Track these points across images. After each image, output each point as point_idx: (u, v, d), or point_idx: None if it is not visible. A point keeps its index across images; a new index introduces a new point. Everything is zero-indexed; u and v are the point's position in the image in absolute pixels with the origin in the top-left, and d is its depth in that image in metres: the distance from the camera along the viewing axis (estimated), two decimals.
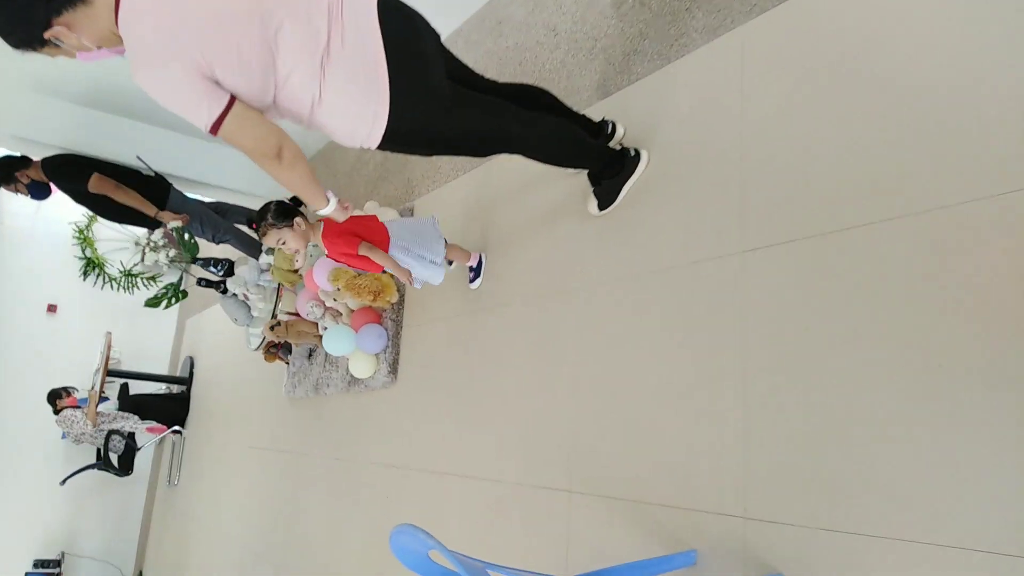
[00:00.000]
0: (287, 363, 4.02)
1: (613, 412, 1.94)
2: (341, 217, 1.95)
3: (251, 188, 4.60)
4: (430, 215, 2.64)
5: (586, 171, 2.09)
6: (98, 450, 5.95)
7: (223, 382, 5.57)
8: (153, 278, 6.91)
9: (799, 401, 1.52)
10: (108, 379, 5.81)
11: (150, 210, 3.67)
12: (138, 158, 4.01)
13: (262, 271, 3.69)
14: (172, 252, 3.52)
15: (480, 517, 2.38)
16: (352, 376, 3.32)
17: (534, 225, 2.43)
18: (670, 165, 1.95)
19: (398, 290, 3.16)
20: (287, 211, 2.34)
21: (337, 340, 3.11)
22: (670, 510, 1.73)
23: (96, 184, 3.57)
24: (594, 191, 2.09)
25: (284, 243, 2.34)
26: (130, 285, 6.86)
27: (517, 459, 2.26)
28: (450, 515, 2.54)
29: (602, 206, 2.08)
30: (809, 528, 1.46)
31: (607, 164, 1.97)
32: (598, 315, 2.06)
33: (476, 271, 2.74)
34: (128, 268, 6.79)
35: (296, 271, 3.65)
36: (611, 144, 2.09)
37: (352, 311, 3.31)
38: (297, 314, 3.67)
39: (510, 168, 2.63)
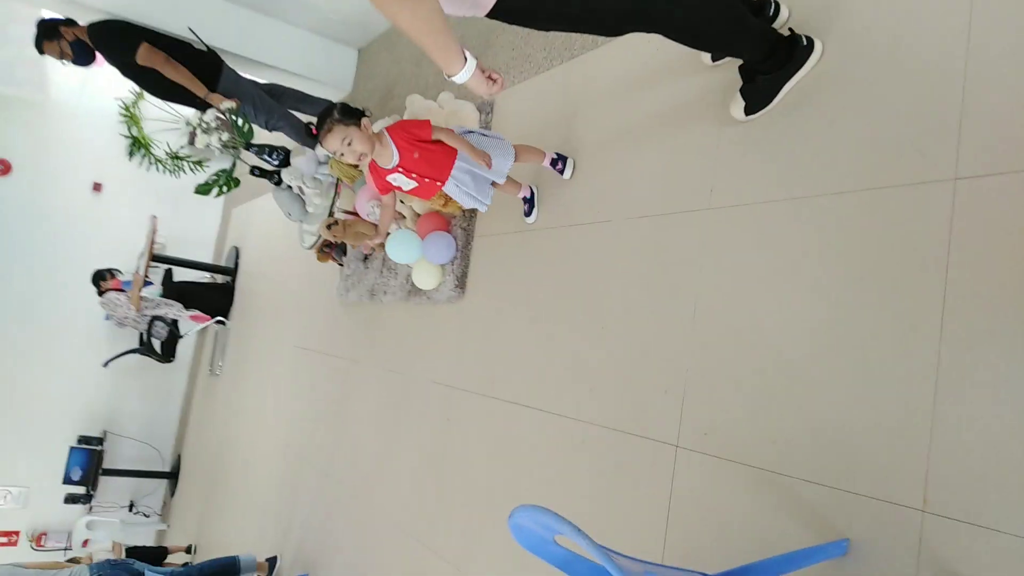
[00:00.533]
0: (340, 264, 3.76)
1: (750, 358, 1.61)
2: (483, 91, 1.59)
3: (309, 71, 4.25)
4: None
5: (738, 60, 1.68)
6: (140, 335, 5.88)
7: (269, 276, 5.37)
8: (200, 163, 6.67)
9: (1019, 376, 1.18)
10: (152, 264, 5.68)
11: (200, 90, 3.35)
12: (190, 30, 3.68)
13: (320, 163, 3.38)
14: (225, 136, 3.21)
15: (557, 459, 2.12)
16: (413, 286, 3.04)
17: (649, 129, 2.05)
18: (853, 61, 1.55)
19: None
20: (353, 111, 2.07)
21: (401, 246, 2.81)
22: (817, 488, 1.43)
23: (145, 55, 3.25)
24: (743, 89, 1.69)
25: (350, 143, 2.05)
26: (176, 168, 6.62)
27: (610, 399, 1.97)
28: (520, 451, 2.29)
29: (752, 108, 1.69)
30: (1021, 538, 1.14)
31: (770, 52, 1.57)
32: (736, 241, 1.71)
33: (530, 202, 2.47)
34: (175, 151, 6.54)
35: (357, 166, 3.32)
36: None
37: (418, 215, 3.00)
38: (356, 213, 3.38)
39: (620, 58, 2.23)
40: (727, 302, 1.69)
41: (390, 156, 2.14)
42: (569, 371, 2.14)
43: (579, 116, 2.37)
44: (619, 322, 1.99)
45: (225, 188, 3.41)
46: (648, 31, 1.46)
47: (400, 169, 2.17)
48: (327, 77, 4.34)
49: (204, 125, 3.20)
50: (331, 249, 3.72)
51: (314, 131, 2.08)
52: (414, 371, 3.02)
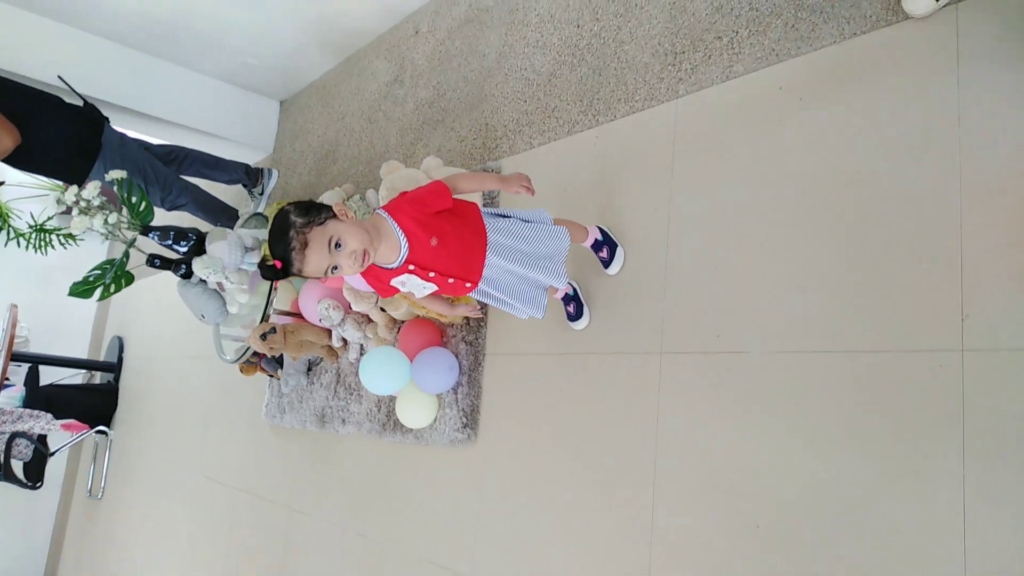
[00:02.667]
0: (275, 377, 2.88)
1: None
2: None
3: (219, 127, 3.40)
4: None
5: None
6: None
7: (165, 375, 4.34)
8: (72, 236, 5.54)
9: None
10: (12, 364, 4.57)
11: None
12: (60, 79, 2.82)
13: (248, 249, 2.54)
14: (112, 217, 2.32)
15: None
16: (391, 417, 2.23)
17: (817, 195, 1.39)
18: None
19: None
20: (312, 205, 1.31)
21: (381, 370, 1.99)
22: None
23: None
24: None
25: (340, 244, 1.26)
26: (43, 244, 5.46)
27: None
28: None
29: None
30: None
31: None
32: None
33: (575, 301, 1.79)
34: (40, 222, 5.40)
35: None
36: None
37: (396, 323, 2.21)
38: (298, 315, 2.55)
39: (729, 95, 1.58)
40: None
41: (396, 249, 1.36)
42: (676, 547, 1.40)
43: (653, 180, 1.68)
44: (794, 518, 1.27)
45: (114, 287, 2.49)
46: None
47: (411, 268, 1.39)
48: (241, 135, 3.50)
49: (83, 203, 2.30)
50: (259, 359, 2.84)
51: (278, 265, 1.27)
52: (398, 541, 2.18)
